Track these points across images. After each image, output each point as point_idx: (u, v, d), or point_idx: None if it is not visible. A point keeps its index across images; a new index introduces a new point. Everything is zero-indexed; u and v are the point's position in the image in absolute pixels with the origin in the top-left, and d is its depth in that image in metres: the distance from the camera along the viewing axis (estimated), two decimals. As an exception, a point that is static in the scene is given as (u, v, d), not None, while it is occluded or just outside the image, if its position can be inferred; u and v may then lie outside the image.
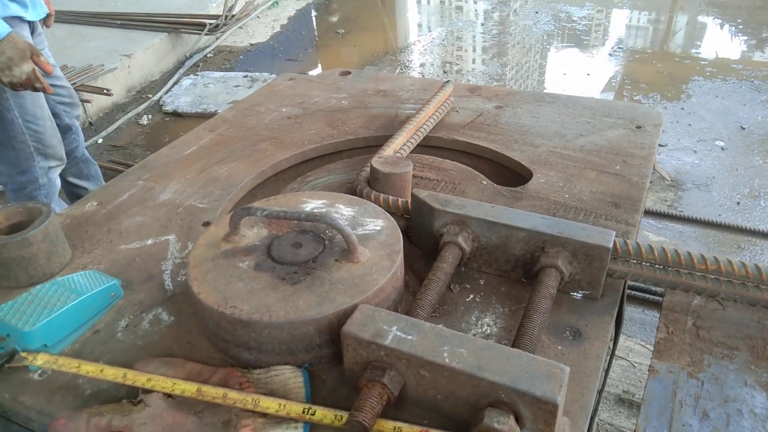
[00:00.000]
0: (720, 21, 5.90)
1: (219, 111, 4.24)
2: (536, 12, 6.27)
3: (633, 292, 2.66)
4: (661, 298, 2.64)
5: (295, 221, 0.97)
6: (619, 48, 5.28)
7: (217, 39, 5.75)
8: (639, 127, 1.49)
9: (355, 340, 0.77)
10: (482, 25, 6.19)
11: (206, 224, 1.18)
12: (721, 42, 5.51)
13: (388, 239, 0.95)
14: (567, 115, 1.55)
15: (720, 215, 3.14)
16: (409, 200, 1.15)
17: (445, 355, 0.74)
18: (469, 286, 1.01)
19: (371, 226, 0.98)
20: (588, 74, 4.88)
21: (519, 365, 0.72)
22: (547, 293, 0.91)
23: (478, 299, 0.99)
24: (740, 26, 5.70)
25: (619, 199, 1.23)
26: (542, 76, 4.87)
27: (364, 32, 6.26)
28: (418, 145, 1.51)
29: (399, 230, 0.97)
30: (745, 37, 5.51)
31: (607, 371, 1.65)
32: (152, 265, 1.08)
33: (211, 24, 5.59)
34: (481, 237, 1.01)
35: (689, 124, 3.96)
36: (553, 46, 5.48)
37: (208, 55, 5.61)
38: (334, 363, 0.85)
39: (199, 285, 0.87)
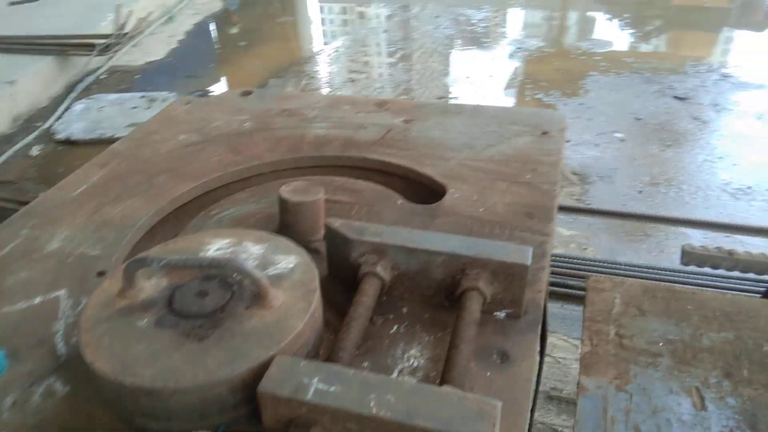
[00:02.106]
0: (609, 16, 6.22)
1: (117, 135, 4.01)
2: (436, 16, 6.38)
3: (552, 288, 2.73)
4: (579, 292, 2.72)
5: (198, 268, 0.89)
6: (518, 48, 5.45)
7: (109, 59, 5.45)
8: (545, 133, 1.50)
9: (273, 398, 0.71)
10: (385, 32, 6.22)
11: (101, 274, 1.08)
12: (611, 37, 5.81)
13: (303, 277, 0.89)
14: (475, 126, 1.55)
15: (625, 205, 3.28)
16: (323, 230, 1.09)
17: (372, 404, 0.69)
18: (392, 316, 0.97)
19: (283, 264, 0.92)
20: (491, 76, 5.00)
21: (449, 406, 0.68)
22: (471, 319, 0.88)
23: (402, 330, 0.94)
24: (628, 20, 6.04)
25: (532, 209, 1.23)
26: (447, 81, 4.95)
27: (267, 43, 6.13)
28: (328, 166, 1.46)
29: (314, 266, 0.92)
30: (633, 31, 5.83)
31: (537, 383, 1.66)
32: (42, 328, 0.97)
33: (101, 44, 5.29)
34: (401, 264, 0.97)
35: (589, 119, 4.13)
36: (455, 50, 5.58)
37: (101, 77, 5.31)
38: (253, 420, 0.78)
39: (92, 352, 0.77)
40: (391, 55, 5.62)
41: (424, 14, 6.52)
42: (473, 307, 0.90)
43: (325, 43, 6.17)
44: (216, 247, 0.96)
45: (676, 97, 4.32)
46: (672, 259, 2.90)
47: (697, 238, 3.02)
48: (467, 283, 0.93)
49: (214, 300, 0.85)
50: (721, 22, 5.90)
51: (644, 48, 5.43)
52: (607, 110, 4.22)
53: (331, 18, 7.06)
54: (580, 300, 2.55)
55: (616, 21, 6.12)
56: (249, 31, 6.52)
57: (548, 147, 1.44)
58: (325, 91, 4.90)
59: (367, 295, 0.92)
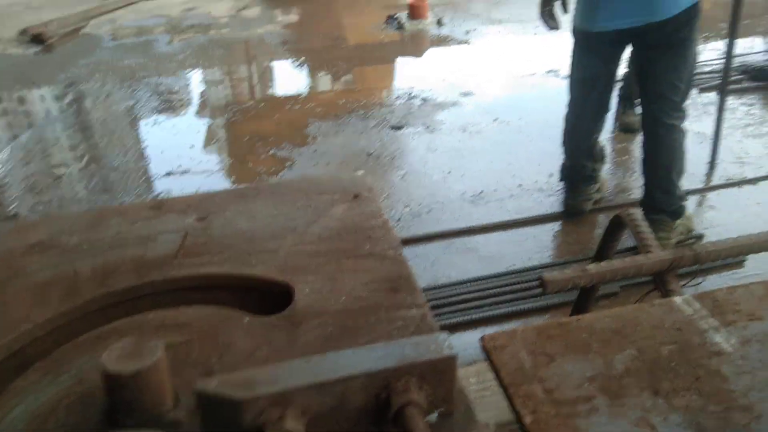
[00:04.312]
0: (299, 63, 6.48)
1: None
2: (134, 90, 5.92)
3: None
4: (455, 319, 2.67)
5: None
6: (232, 108, 5.34)
7: None
8: (356, 196, 1.41)
9: None
10: (75, 115, 5.56)
11: None
12: (314, 82, 6.09)
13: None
14: (283, 205, 1.39)
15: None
16: (168, 396, 0.83)
17: None
18: (318, 474, 0.77)
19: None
20: (215, 140, 4.81)
21: None
22: (428, 444, 0.73)
23: (340, 487, 0.75)
24: (319, 66, 6.36)
25: (392, 282, 1.13)
26: (170, 155, 4.59)
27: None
28: (126, 301, 1.16)
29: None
30: (331, 74, 6.18)
31: None
32: None
33: None
34: (312, 406, 0.77)
35: (327, 163, 4.22)
36: (167, 122, 5.23)
37: None
38: None
39: None
40: (89, 138, 5.03)
41: (114, 90, 5.97)
42: (419, 426, 0.75)
43: None
44: (53, 486, 0.64)
45: (393, 127, 4.67)
46: (447, 273, 3.08)
47: (462, 244, 3.27)
48: (399, 398, 0.78)
49: None
50: (401, 52, 6.61)
51: (348, 88, 5.79)
52: (340, 152, 4.36)
53: None
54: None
55: (309, 66, 6.41)
56: None
57: (369, 209, 1.36)
58: (27, 197, 4.15)
59: (293, 464, 0.71)
